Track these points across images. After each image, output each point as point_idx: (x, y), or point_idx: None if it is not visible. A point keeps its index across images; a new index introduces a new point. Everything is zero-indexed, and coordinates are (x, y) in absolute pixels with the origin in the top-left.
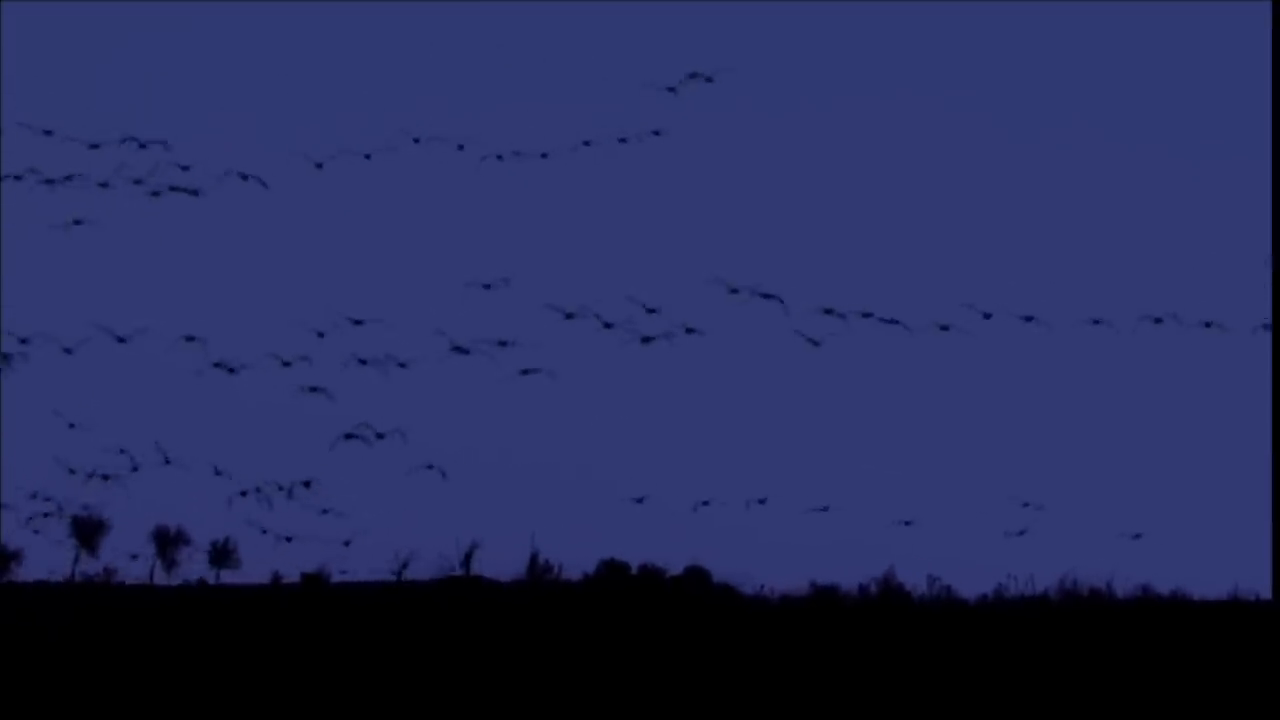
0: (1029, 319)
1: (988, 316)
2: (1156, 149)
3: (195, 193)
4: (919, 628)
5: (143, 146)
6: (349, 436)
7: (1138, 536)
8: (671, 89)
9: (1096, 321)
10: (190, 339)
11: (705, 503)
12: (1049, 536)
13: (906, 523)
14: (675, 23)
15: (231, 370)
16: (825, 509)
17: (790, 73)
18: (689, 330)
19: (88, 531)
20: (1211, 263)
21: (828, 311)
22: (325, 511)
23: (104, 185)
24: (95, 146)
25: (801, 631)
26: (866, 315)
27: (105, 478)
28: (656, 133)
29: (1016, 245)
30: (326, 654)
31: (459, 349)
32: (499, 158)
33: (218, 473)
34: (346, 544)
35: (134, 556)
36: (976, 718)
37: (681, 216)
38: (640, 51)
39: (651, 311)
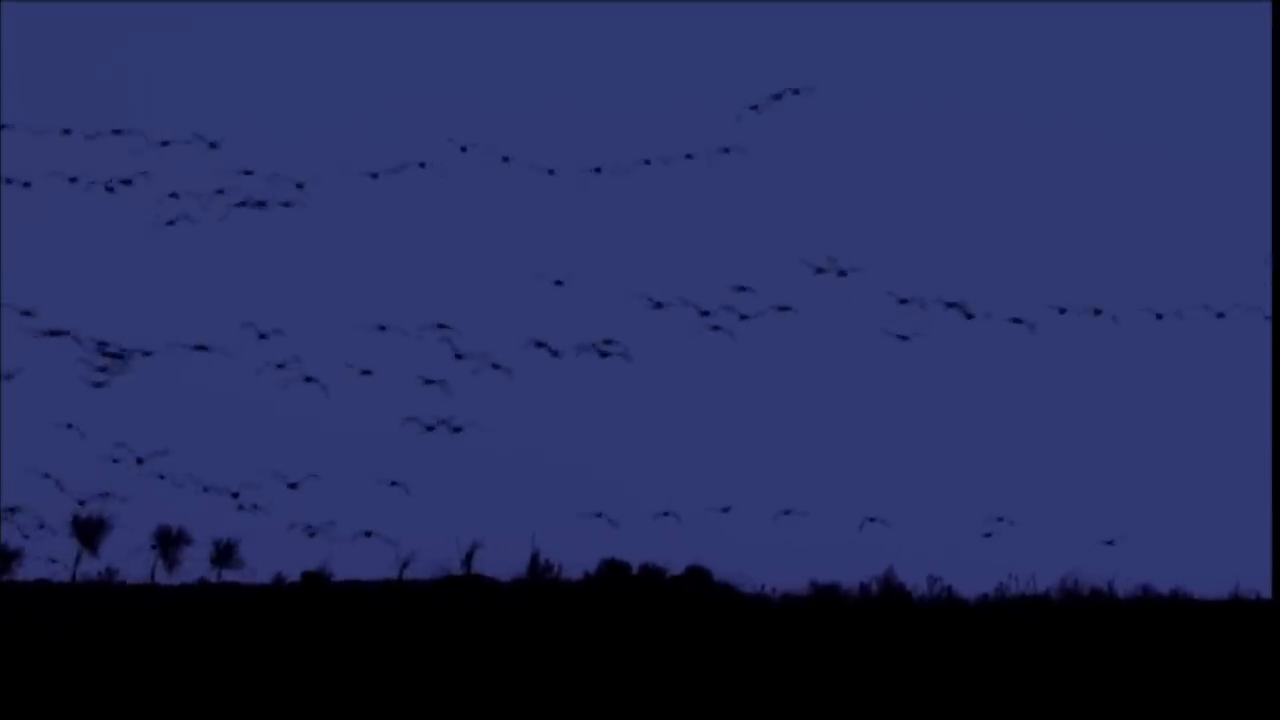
0: (1098, 312)
1: (1063, 311)
2: (1154, 148)
3: (288, 205)
4: (919, 627)
5: (213, 146)
6: (429, 429)
7: (1110, 543)
8: (755, 107)
9: (1098, 312)
10: (263, 335)
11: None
12: (1049, 536)
13: (871, 519)
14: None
15: (310, 379)
16: (788, 512)
17: (860, 73)
18: (782, 308)
19: (89, 531)
20: (1211, 262)
21: (903, 301)
22: (312, 532)
23: (174, 196)
24: (165, 144)
25: (802, 631)
26: (951, 305)
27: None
28: (726, 150)
29: (1013, 242)
30: (327, 652)
31: (544, 346)
32: (550, 171)
33: (206, 489)
34: (368, 534)
35: (153, 547)
36: (977, 717)
37: (743, 214)
38: (705, 62)
39: (744, 289)
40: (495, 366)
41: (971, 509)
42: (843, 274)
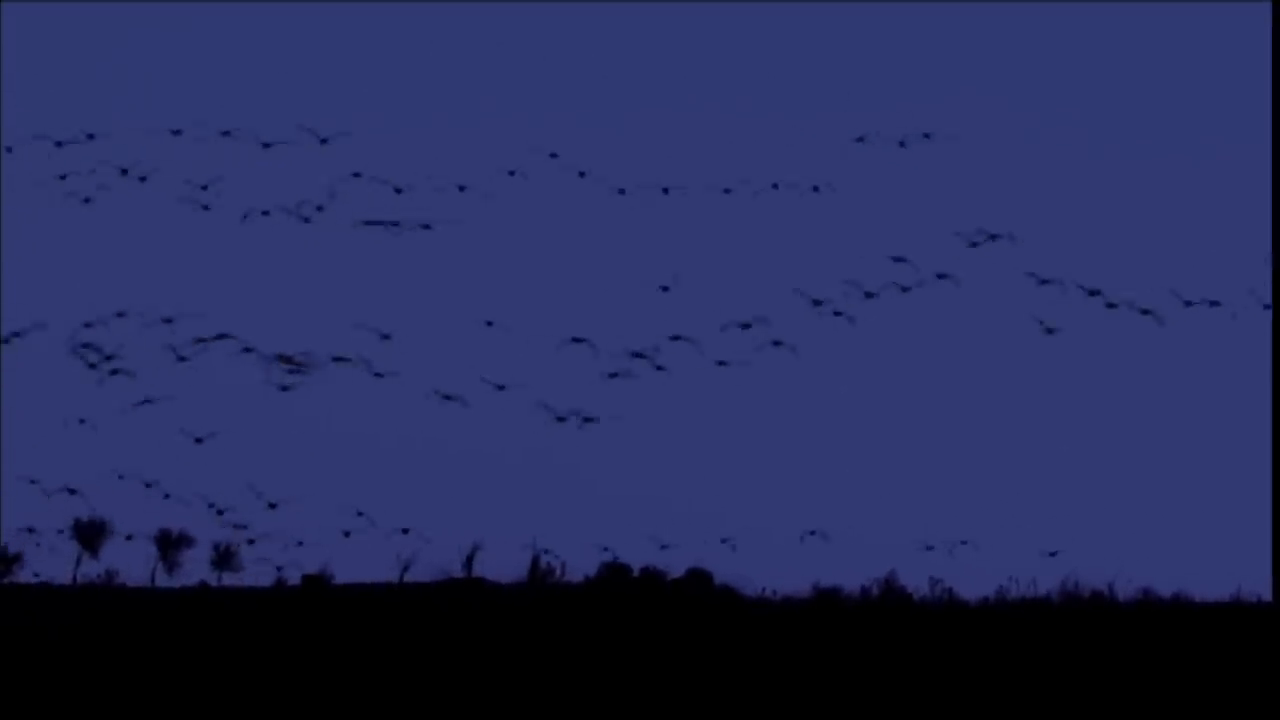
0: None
1: (1189, 304)
2: (1152, 148)
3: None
4: (920, 629)
5: (324, 142)
6: (560, 420)
7: (1053, 554)
8: (860, 139)
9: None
10: (386, 336)
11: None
12: (1050, 539)
13: (812, 532)
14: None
15: (452, 397)
16: (727, 541)
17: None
18: (941, 275)
19: (90, 534)
20: (1211, 262)
21: (1043, 283)
22: (300, 544)
23: (265, 213)
24: (268, 146)
25: (803, 633)
26: (1094, 293)
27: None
28: (816, 189)
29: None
30: (328, 656)
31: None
32: (621, 191)
33: (214, 511)
34: (405, 531)
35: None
36: (978, 719)
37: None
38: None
39: (901, 260)
40: (658, 368)
41: (968, 511)
42: (994, 238)
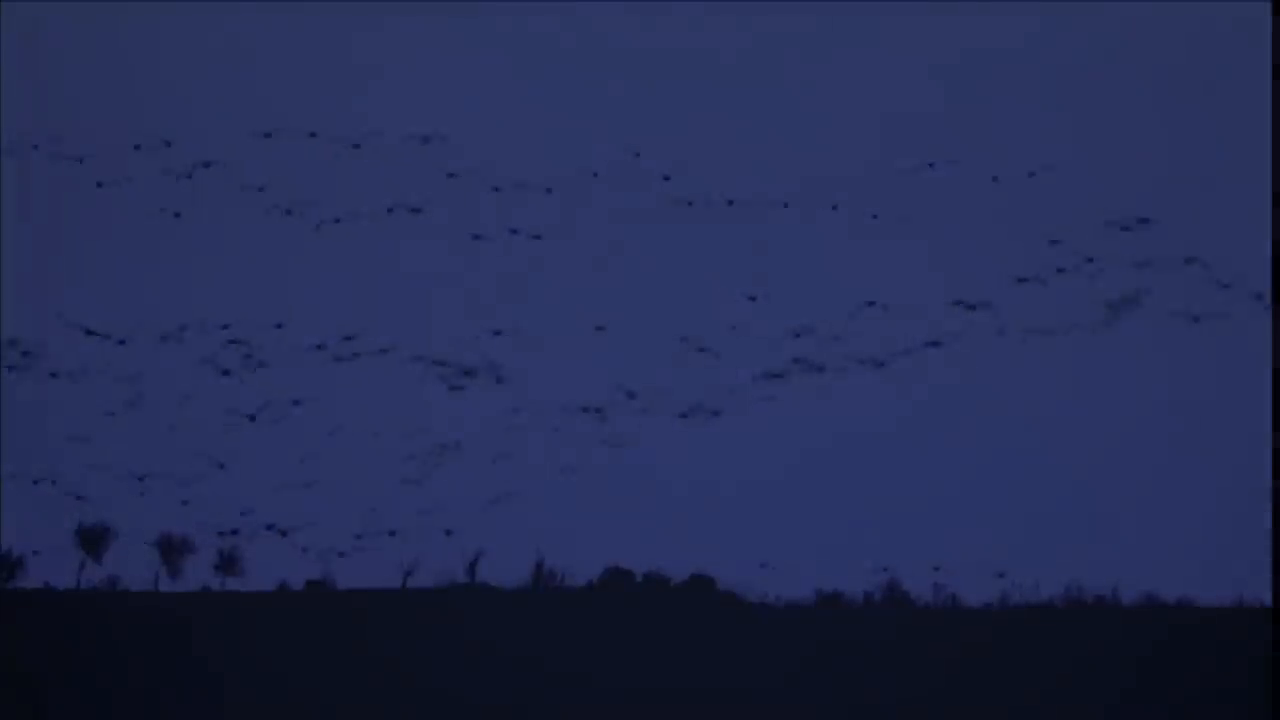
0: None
1: None
2: (1151, 145)
3: (539, 238)
4: (923, 634)
5: (426, 143)
6: (683, 416)
7: (1001, 575)
8: (932, 165)
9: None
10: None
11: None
12: (1055, 544)
13: (762, 565)
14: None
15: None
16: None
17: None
18: (1089, 260)
19: (93, 540)
20: (1212, 264)
21: (1190, 261)
22: (305, 551)
23: (334, 219)
24: (356, 146)
25: (805, 637)
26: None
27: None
28: (874, 216)
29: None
30: (331, 659)
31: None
32: (689, 204)
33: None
34: (448, 533)
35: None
36: None
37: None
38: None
39: (1056, 242)
40: (773, 376)
41: (976, 516)
42: (1144, 221)
